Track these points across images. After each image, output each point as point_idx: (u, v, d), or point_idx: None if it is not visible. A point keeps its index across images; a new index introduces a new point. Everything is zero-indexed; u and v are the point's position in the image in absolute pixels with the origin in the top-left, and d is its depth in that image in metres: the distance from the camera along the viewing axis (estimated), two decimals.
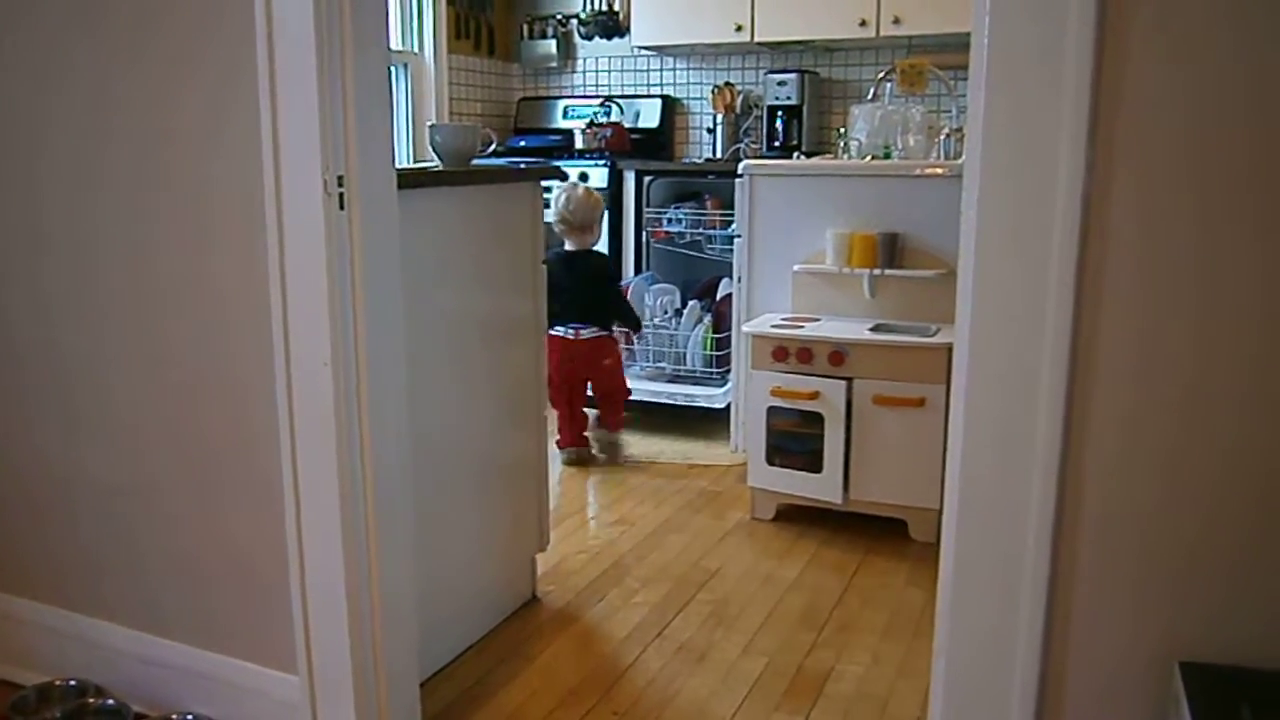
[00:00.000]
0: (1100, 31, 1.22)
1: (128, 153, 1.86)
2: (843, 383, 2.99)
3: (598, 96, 5.36)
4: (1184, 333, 1.25)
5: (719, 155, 5.04)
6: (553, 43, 5.42)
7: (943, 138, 3.43)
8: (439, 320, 2.16)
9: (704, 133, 5.26)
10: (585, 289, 3.79)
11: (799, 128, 4.86)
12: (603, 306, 3.84)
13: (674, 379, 4.28)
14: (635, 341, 4.21)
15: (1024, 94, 1.27)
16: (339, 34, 1.62)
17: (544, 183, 2.52)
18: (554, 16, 5.43)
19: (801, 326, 3.13)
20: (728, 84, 5.11)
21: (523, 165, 3.42)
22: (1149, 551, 1.31)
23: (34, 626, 2.16)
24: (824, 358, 3.02)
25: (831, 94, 5.02)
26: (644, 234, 4.60)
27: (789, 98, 4.84)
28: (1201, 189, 1.22)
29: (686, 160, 5.20)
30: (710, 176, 4.59)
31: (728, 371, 4.03)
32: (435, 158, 2.40)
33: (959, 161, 3.10)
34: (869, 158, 3.45)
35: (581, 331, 3.75)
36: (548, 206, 2.56)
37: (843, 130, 3.76)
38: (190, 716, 1.95)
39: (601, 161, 4.74)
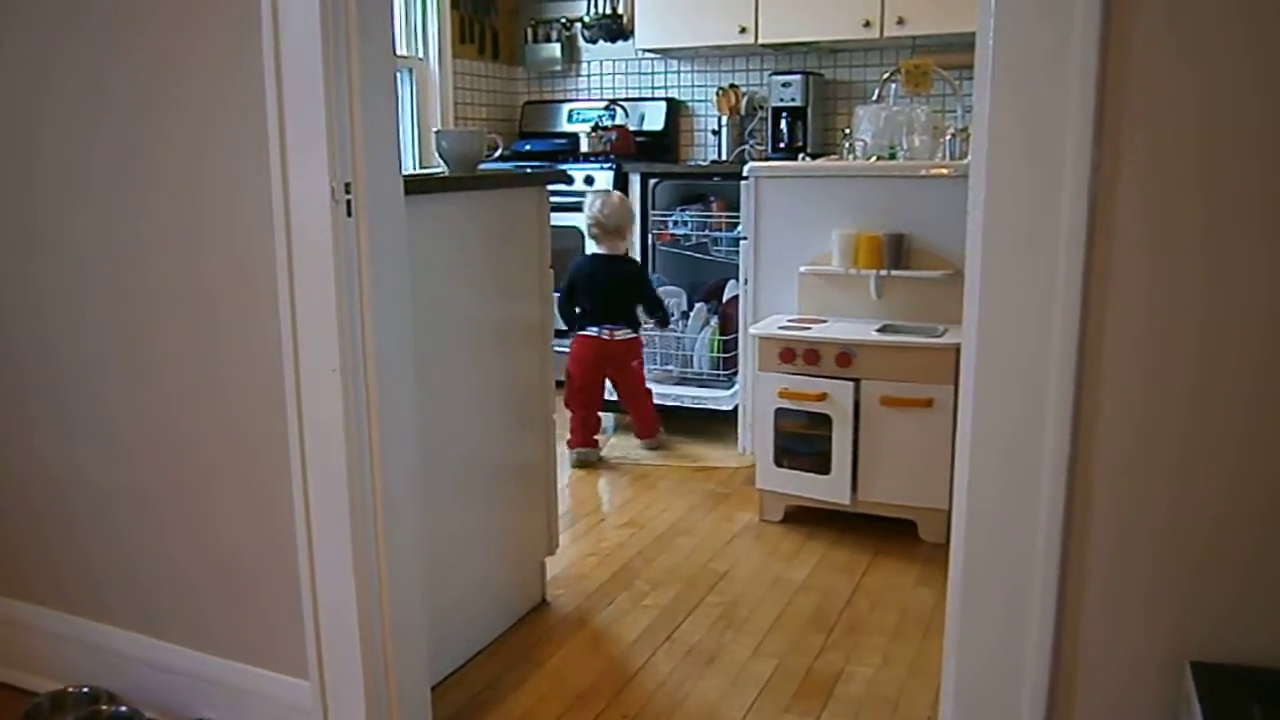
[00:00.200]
0: (1106, 31, 1.22)
1: (115, 152, 1.87)
2: (850, 384, 2.99)
3: (602, 100, 5.37)
4: (1192, 333, 1.25)
5: (724, 157, 5.04)
6: (557, 46, 5.42)
7: (948, 138, 3.43)
8: (447, 325, 2.17)
9: (709, 135, 5.26)
10: (618, 291, 3.89)
11: (804, 129, 4.86)
12: (633, 307, 3.92)
13: (681, 381, 4.28)
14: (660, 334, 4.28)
15: (1029, 94, 1.27)
16: (344, 42, 1.63)
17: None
18: (558, 20, 5.44)
19: (808, 328, 3.13)
20: (732, 86, 5.11)
21: (529, 170, 3.43)
22: (1159, 551, 1.31)
23: (39, 632, 2.17)
24: (831, 359, 3.02)
25: (836, 95, 5.02)
26: (650, 236, 4.60)
27: (793, 99, 4.84)
28: (1209, 189, 1.22)
29: (692, 163, 5.20)
30: (715, 179, 4.59)
31: (735, 373, 4.03)
32: (441, 163, 2.41)
33: (964, 162, 3.10)
34: (874, 159, 3.45)
35: (615, 332, 3.84)
36: (554, 211, 2.56)
37: (848, 131, 3.76)
38: None
39: (607, 164, 4.75)
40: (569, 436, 3.81)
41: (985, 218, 1.31)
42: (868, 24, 4.51)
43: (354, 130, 1.66)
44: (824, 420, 3.03)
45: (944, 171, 3.18)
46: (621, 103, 5.29)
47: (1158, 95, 1.22)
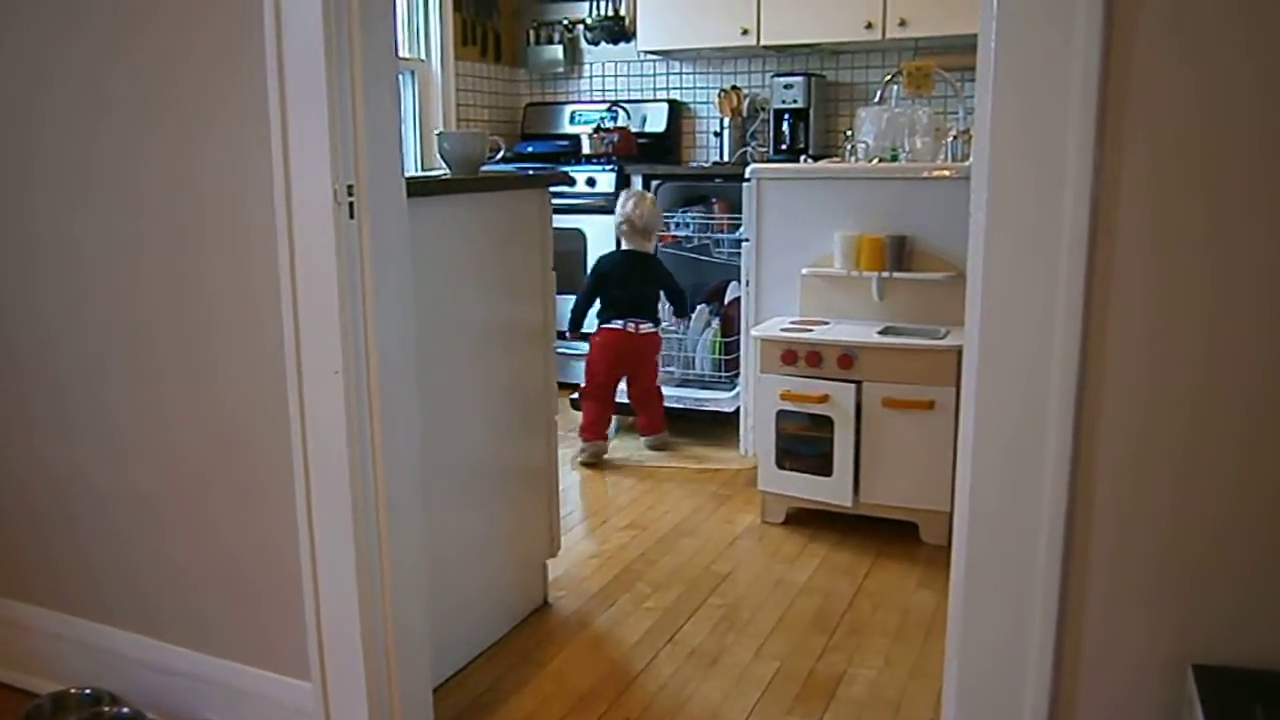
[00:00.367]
0: (1108, 32, 1.22)
1: (115, 152, 1.88)
2: (852, 386, 2.99)
3: (604, 101, 5.37)
4: (1194, 334, 1.25)
5: (726, 159, 5.04)
6: (559, 48, 5.42)
7: (950, 140, 3.43)
8: (449, 327, 2.17)
9: (711, 137, 5.26)
10: (644, 285, 3.98)
11: (806, 131, 4.86)
12: (656, 302, 4.03)
13: (683, 383, 4.30)
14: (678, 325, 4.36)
15: (1032, 95, 1.26)
16: (347, 42, 1.63)
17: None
18: (560, 22, 5.44)
19: (810, 330, 3.13)
20: (734, 88, 5.11)
21: (531, 171, 3.43)
22: (1162, 553, 1.30)
23: (39, 633, 2.17)
24: (833, 361, 3.01)
25: (838, 97, 5.02)
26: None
27: (795, 101, 4.84)
28: (1211, 189, 1.22)
29: (693, 164, 5.20)
30: (717, 180, 4.59)
31: (736, 375, 4.03)
32: (443, 165, 2.41)
33: (966, 163, 3.10)
34: (876, 160, 3.44)
35: (641, 326, 3.92)
36: (556, 213, 2.57)
37: (850, 133, 3.76)
38: None
39: (609, 166, 4.75)
40: (582, 429, 3.88)
41: (987, 219, 1.31)
42: (870, 26, 4.51)
43: (357, 131, 1.66)
44: (826, 422, 3.03)
45: (946, 173, 3.18)
46: (623, 104, 5.29)
47: (1160, 96, 1.22)
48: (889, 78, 3.69)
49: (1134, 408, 1.29)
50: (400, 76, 2.47)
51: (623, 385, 4.00)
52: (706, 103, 5.29)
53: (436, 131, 4.10)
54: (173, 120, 1.81)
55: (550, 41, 5.46)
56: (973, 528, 1.39)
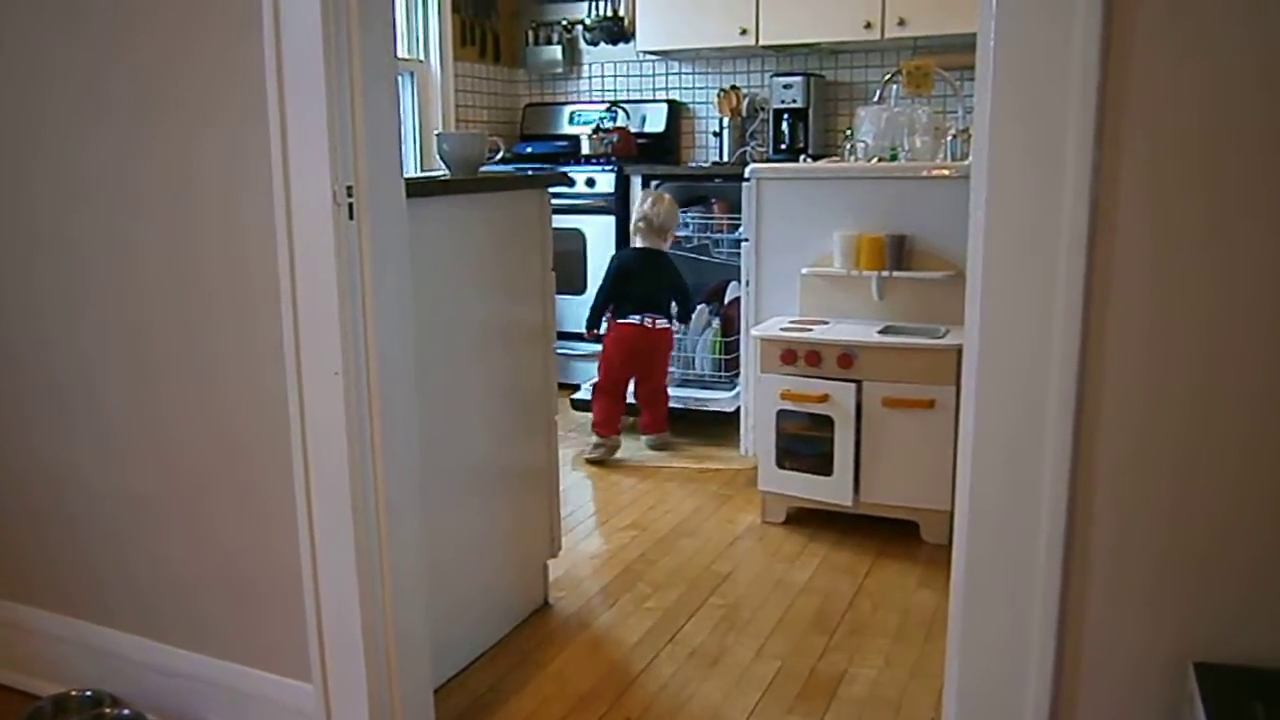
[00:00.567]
0: (1107, 30, 1.22)
1: (114, 153, 1.87)
2: (852, 385, 2.99)
3: (604, 102, 5.37)
4: (1194, 332, 1.25)
5: (725, 159, 5.04)
6: (558, 49, 5.43)
7: (949, 139, 3.42)
8: (449, 328, 2.17)
9: (710, 137, 5.27)
10: (660, 282, 4.01)
11: (805, 130, 4.86)
12: (669, 300, 4.04)
13: (683, 383, 4.30)
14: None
15: (1031, 94, 1.26)
16: (346, 42, 1.63)
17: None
18: (559, 22, 5.44)
19: (810, 329, 3.13)
20: (733, 88, 5.11)
21: (530, 172, 3.43)
22: (1162, 552, 1.30)
23: (40, 635, 2.17)
24: (833, 360, 3.01)
25: (837, 96, 5.02)
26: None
27: (795, 100, 4.84)
28: (1211, 187, 1.22)
29: (693, 164, 5.20)
30: (717, 180, 4.59)
31: (736, 375, 4.03)
32: (442, 166, 2.41)
33: (966, 163, 3.10)
34: (875, 160, 3.44)
35: (657, 321, 3.96)
36: (556, 213, 2.57)
37: (849, 132, 3.76)
38: None
39: (608, 166, 4.75)
40: (594, 424, 3.89)
41: (987, 218, 1.31)
42: (869, 25, 4.51)
43: (356, 132, 1.65)
44: (826, 422, 3.03)
45: (945, 172, 3.18)
46: (623, 104, 5.29)
47: (1159, 94, 1.22)
48: (888, 77, 3.69)
49: (1133, 406, 1.29)
50: (399, 77, 2.47)
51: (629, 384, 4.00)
52: (706, 103, 5.29)
53: (436, 132, 4.10)
54: (172, 120, 1.81)
55: (549, 42, 5.46)
56: (973, 527, 1.39)
